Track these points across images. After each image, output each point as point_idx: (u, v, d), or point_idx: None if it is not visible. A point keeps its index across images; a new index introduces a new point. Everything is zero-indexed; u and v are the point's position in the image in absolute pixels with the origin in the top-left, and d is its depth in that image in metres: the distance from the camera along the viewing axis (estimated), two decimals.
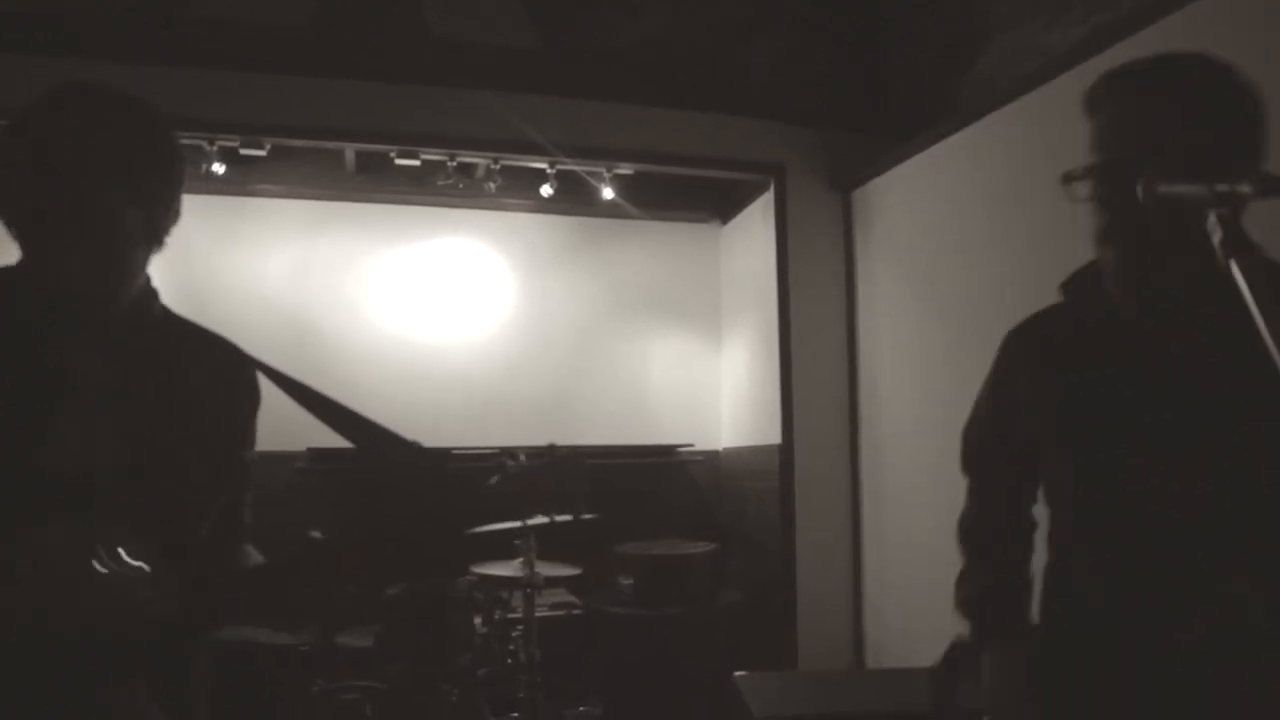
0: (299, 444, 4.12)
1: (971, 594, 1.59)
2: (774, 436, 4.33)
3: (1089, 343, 1.40)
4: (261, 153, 3.94)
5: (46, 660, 1.07)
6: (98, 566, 1.12)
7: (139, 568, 1.15)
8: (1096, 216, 1.31)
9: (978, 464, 1.66)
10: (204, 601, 1.22)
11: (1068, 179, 1.35)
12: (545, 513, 1.42)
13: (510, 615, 3.49)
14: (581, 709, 3.83)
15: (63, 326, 1.23)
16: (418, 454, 1.32)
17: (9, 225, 1.21)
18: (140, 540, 1.16)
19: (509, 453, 1.43)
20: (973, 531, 1.64)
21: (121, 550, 1.14)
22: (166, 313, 1.36)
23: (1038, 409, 1.47)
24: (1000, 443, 1.59)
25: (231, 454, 1.39)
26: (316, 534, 1.30)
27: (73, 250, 1.20)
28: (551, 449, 1.42)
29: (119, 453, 1.20)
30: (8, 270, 1.25)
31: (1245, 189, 0.88)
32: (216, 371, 1.37)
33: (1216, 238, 0.88)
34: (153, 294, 1.35)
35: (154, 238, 1.29)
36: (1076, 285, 1.50)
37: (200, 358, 1.36)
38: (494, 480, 1.37)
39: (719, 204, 5.22)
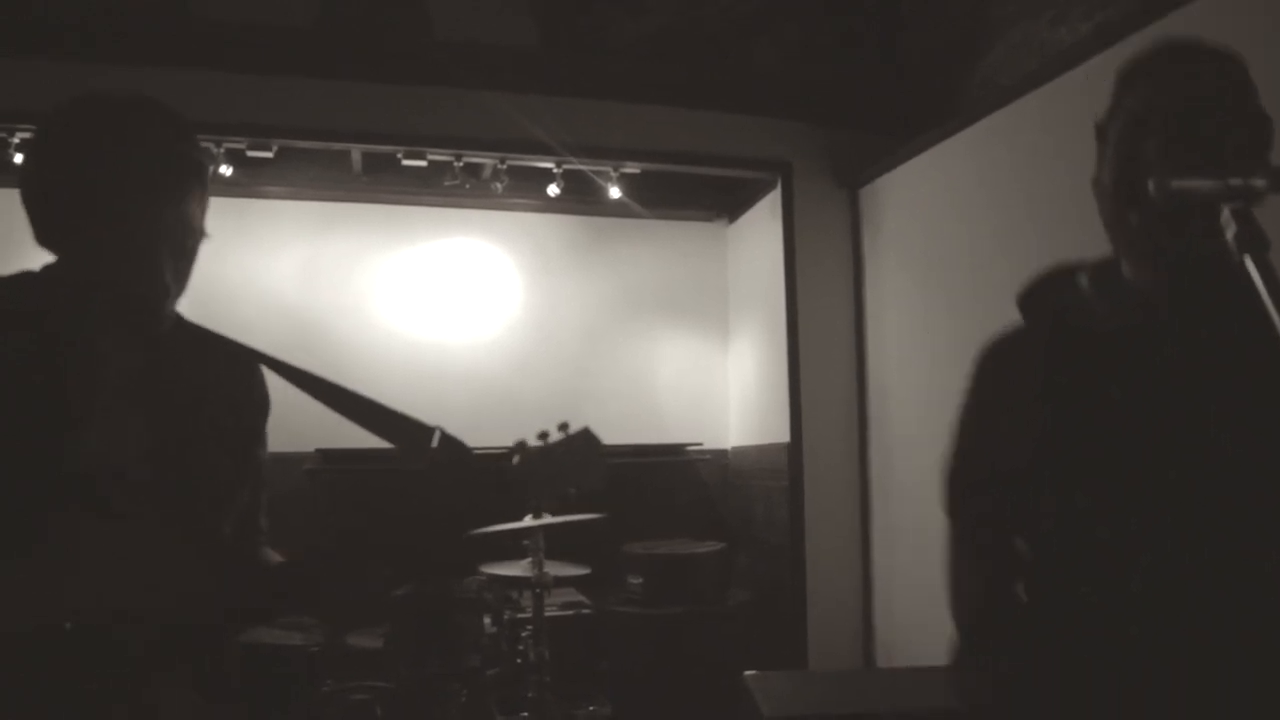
0: (307, 445, 4.14)
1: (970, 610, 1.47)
2: (782, 435, 4.32)
3: (1076, 357, 1.30)
4: (268, 154, 3.95)
5: (96, 651, 1.10)
6: (150, 559, 1.18)
7: (184, 560, 1.22)
8: (1120, 178, 1.22)
9: (964, 508, 1.50)
10: (239, 597, 1.27)
11: (1100, 126, 1.27)
12: (567, 495, 1.43)
13: (519, 615, 3.49)
14: (591, 709, 3.83)
15: (95, 329, 1.25)
16: (439, 439, 1.36)
17: (47, 231, 1.25)
18: (175, 534, 1.21)
19: (520, 444, 1.43)
20: (974, 607, 1.50)
21: (166, 543, 1.20)
22: (179, 318, 1.40)
23: (1027, 437, 1.33)
24: (986, 479, 1.44)
25: (250, 452, 1.43)
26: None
27: (110, 255, 1.24)
28: (565, 428, 1.43)
29: (149, 450, 1.24)
30: (38, 273, 1.27)
31: (1260, 183, 0.86)
32: (231, 373, 1.42)
33: (1230, 233, 0.87)
34: (170, 318, 1.39)
35: (186, 240, 1.32)
36: (1036, 299, 1.42)
37: (215, 360, 1.40)
38: (516, 459, 1.38)
39: (726, 202, 5.21)
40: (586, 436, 1.44)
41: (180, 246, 1.31)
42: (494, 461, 1.39)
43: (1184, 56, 1.26)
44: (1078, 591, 1.29)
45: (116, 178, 1.23)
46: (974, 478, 1.48)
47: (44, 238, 1.25)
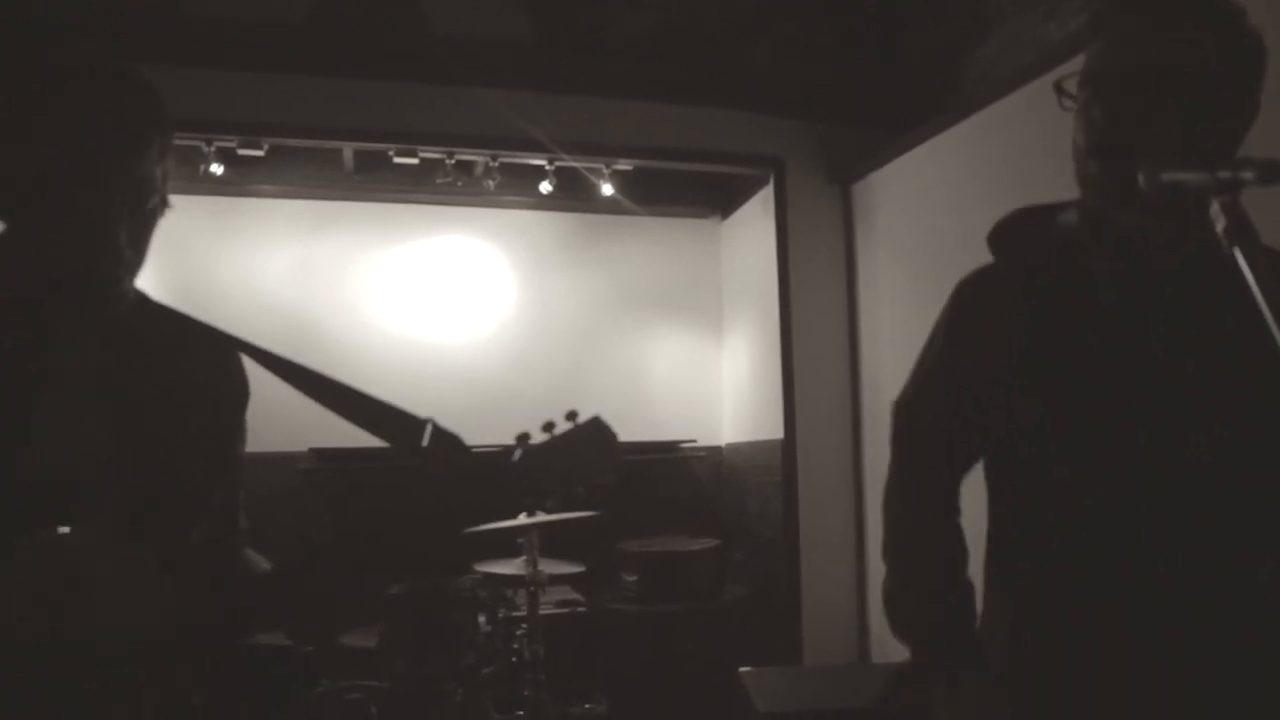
0: (300, 444, 4.13)
1: (911, 615, 1.41)
2: (776, 431, 4.32)
3: (1059, 302, 1.27)
4: (259, 153, 3.94)
5: (61, 668, 1.04)
6: (109, 570, 1.09)
7: (146, 570, 1.12)
8: (1091, 128, 1.21)
9: (911, 435, 1.45)
10: (212, 606, 1.19)
11: (1060, 87, 1.24)
12: (575, 494, 1.31)
13: (514, 613, 3.49)
14: (586, 706, 3.84)
15: (47, 316, 1.17)
16: (431, 432, 1.27)
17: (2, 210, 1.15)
18: (134, 542, 1.11)
19: (523, 437, 1.33)
20: (905, 532, 1.47)
21: (126, 553, 1.11)
22: (144, 299, 1.30)
23: (997, 373, 1.30)
24: (946, 409, 1.39)
25: (223, 449, 1.34)
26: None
27: (55, 218, 1.13)
28: (573, 416, 1.32)
29: (104, 452, 1.15)
30: None
31: (1248, 175, 0.87)
32: (206, 362, 1.31)
33: (1220, 225, 0.87)
34: (128, 294, 1.28)
35: (143, 199, 1.20)
36: (1011, 238, 1.41)
37: (187, 347, 1.29)
38: (517, 455, 1.28)
39: (719, 199, 5.21)
40: (597, 426, 1.31)
41: (136, 207, 1.18)
42: (493, 457, 1.29)
43: (1136, 6, 1.22)
44: (1034, 530, 1.29)
45: (68, 141, 1.13)
46: (933, 411, 1.43)
47: None
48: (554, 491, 1.29)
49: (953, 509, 1.41)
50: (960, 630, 1.34)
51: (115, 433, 1.16)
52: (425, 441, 1.26)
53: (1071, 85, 1.25)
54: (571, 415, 1.31)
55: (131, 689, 1.08)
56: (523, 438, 1.29)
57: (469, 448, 1.27)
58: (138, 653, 1.08)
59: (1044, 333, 1.27)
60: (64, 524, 1.08)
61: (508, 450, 1.28)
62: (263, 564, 1.40)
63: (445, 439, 1.26)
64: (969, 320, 1.40)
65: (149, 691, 1.11)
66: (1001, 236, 1.43)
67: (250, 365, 1.34)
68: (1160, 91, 1.15)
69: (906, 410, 1.47)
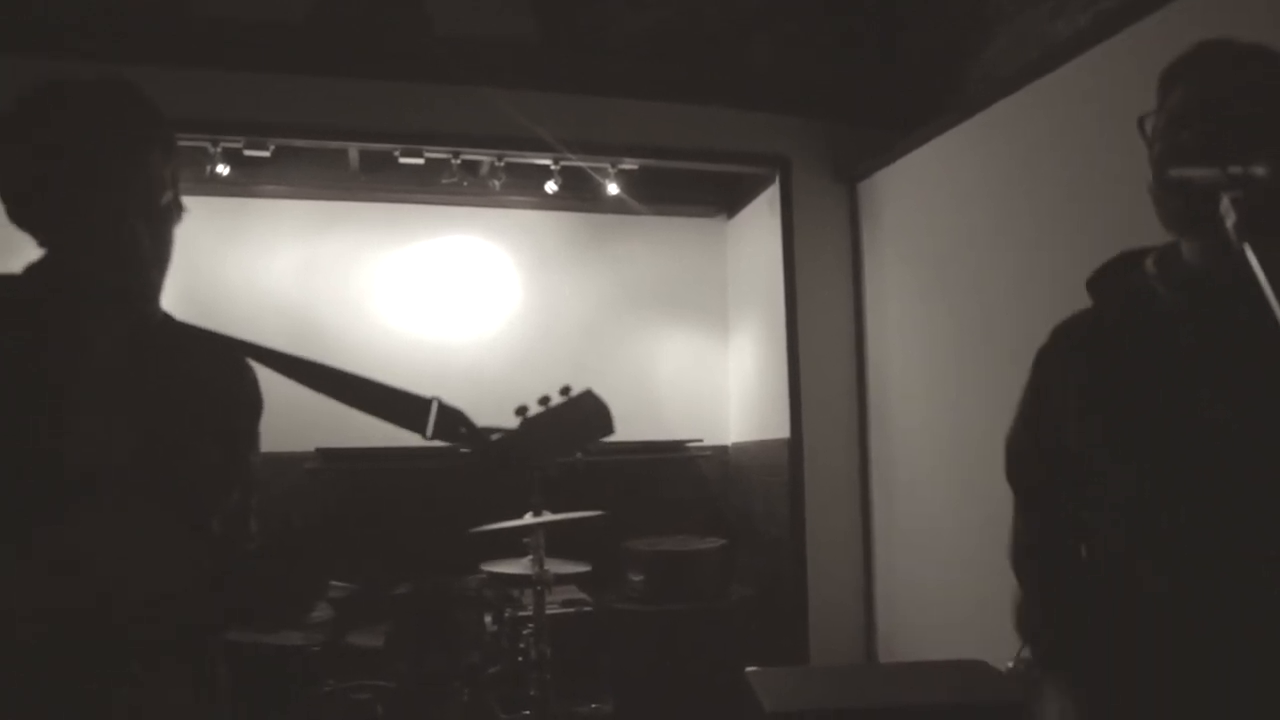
0: (307, 445, 4.13)
1: (1031, 624, 1.54)
2: (783, 431, 4.32)
3: (1135, 340, 1.35)
4: (265, 153, 3.94)
5: (87, 648, 1.10)
6: (134, 550, 1.18)
7: (170, 551, 1.21)
8: (1162, 167, 1.26)
9: (1021, 476, 1.58)
10: (225, 594, 1.26)
11: (1142, 125, 1.32)
12: (572, 456, 1.44)
13: (520, 613, 3.49)
14: (593, 706, 3.83)
15: (81, 325, 1.26)
16: (436, 409, 1.38)
17: (32, 230, 1.26)
18: (161, 526, 1.21)
19: (521, 410, 1.45)
20: (1025, 557, 1.57)
21: (151, 535, 1.20)
22: (169, 318, 1.39)
23: (1085, 413, 1.40)
24: (1045, 451, 1.51)
25: (238, 451, 1.40)
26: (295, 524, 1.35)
27: (82, 227, 1.25)
28: (567, 390, 1.44)
29: (132, 444, 1.23)
30: (20, 275, 1.28)
31: (1260, 172, 0.86)
32: (221, 371, 1.40)
33: (1230, 221, 0.87)
34: (155, 296, 1.37)
35: (156, 198, 1.31)
36: (1106, 282, 1.46)
37: (204, 358, 1.38)
38: (517, 425, 1.39)
39: (725, 198, 5.20)
40: (589, 396, 1.47)
41: (151, 206, 1.29)
42: (495, 435, 1.41)
43: (1220, 53, 1.29)
44: (1131, 573, 1.34)
45: (71, 145, 1.24)
46: (1029, 450, 1.56)
47: (14, 215, 1.26)
48: (552, 457, 1.42)
49: (1065, 525, 1.51)
50: (1072, 643, 1.45)
51: (142, 427, 1.24)
52: (432, 419, 1.38)
53: (1148, 125, 1.32)
54: (565, 390, 1.47)
55: (146, 670, 1.16)
56: (521, 410, 1.43)
57: (473, 423, 1.39)
58: (165, 628, 1.17)
59: (1120, 372, 1.35)
60: (94, 507, 1.17)
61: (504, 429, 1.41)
62: None
63: (451, 415, 1.39)
64: (1057, 366, 1.50)
65: (164, 673, 1.18)
66: (1098, 281, 1.48)
67: (261, 371, 1.42)
68: (1230, 116, 1.21)
69: (1008, 446, 1.60)
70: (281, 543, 1.37)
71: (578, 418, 1.45)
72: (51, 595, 1.10)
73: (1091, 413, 1.38)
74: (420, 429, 1.37)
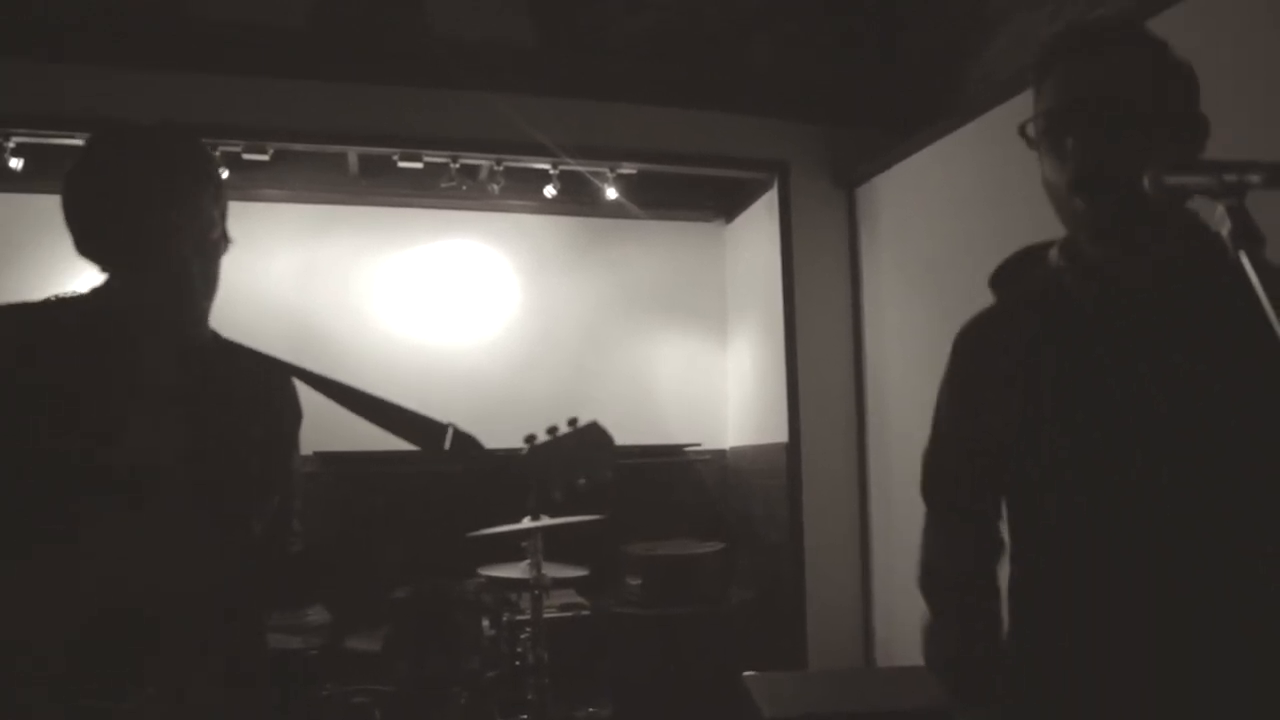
0: (305, 448, 4.12)
1: (943, 654, 1.45)
2: (781, 435, 4.32)
3: (1052, 334, 1.31)
4: (264, 157, 3.94)
5: (127, 636, 1.22)
6: (180, 546, 1.32)
7: (212, 546, 1.34)
8: (1063, 164, 1.24)
9: (943, 489, 1.49)
10: (268, 585, 1.45)
11: (1024, 131, 1.30)
12: (576, 486, 1.48)
13: (518, 617, 3.49)
14: (591, 710, 3.83)
15: (138, 344, 1.39)
16: (452, 434, 1.49)
17: (84, 241, 1.38)
18: (205, 524, 1.34)
19: (530, 438, 1.50)
20: (938, 575, 1.47)
21: (196, 532, 1.33)
22: (216, 335, 1.52)
23: (1007, 407, 1.33)
24: (966, 460, 1.44)
25: (283, 459, 1.54)
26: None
27: (140, 257, 1.39)
28: (574, 421, 1.48)
29: (185, 452, 1.36)
30: (86, 295, 1.41)
31: (1254, 179, 0.86)
32: (265, 385, 1.53)
33: (1225, 229, 0.87)
34: (204, 320, 1.51)
35: (206, 234, 1.45)
36: (1009, 278, 1.44)
37: (250, 373, 1.52)
38: (525, 452, 1.45)
39: (723, 202, 5.21)
40: (595, 429, 1.50)
41: (201, 241, 1.43)
42: (504, 458, 1.49)
43: (1087, 47, 1.26)
44: (1060, 567, 1.30)
45: (134, 187, 1.37)
46: (952, 461, 1.49)
47: (82, 248, 1.38)
48: (558, 484, 1.47)
49: (986, 541, 1.45)
50: (989, 672, 1.39)
51: (189, 437, 1.38)
52: (449, 443, 1.49)
53: (1030, 130, 1.30)
54: (572, 421, 1.51)
55: (188, 655, 1.28)
56: (529, 439, 1.49)
57: (485, 448, 1.49)
58: (198, 622, 1.30)
59: (1039, 364, 1.31)
60: (145, 505, 1.30)
61: (517, 451, 1.48)
62: None
63: (465, 441, 1.49)
64: (970, 368, 1.47)
65: (211, 657, 1.31)
66: (1001, 276, 1.46)
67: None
68: (1119, 118, 1.19)
69: (926, 461, 1.53)
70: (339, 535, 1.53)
71: (583, 449, 1.49)
72: (94, 584, 1.23)
73: (1013, 405, 1.32)
74: (437, 451, 1.49)
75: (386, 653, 3.21)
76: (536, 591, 3.32)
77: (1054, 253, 1.37)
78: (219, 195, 1.49)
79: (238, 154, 3.90)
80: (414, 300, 4.84)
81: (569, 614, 3.95)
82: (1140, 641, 1.21)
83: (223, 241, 1.50)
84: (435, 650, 3.16)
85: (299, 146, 4.02)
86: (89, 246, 1.38)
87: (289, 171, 4.45)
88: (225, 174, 3.95)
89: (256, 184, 4.43)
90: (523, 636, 3.38)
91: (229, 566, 1.36)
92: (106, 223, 1.38)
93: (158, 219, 1.38)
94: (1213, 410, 1.19)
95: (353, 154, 4.35)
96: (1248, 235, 0.86)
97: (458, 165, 4.13)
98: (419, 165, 4.09)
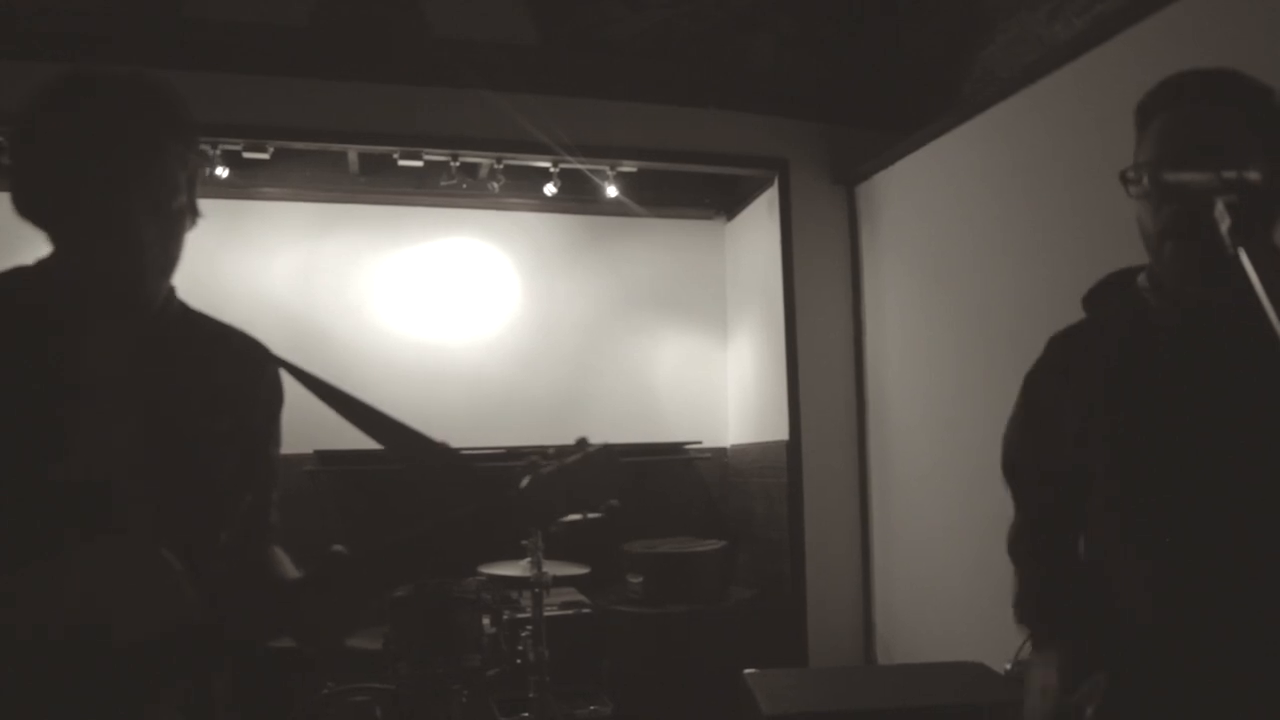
0: (306, 446, 4.13)
1: (1026, 606, 1.56)
2: (781, 432, 4.32)
3: (1129, 355, 1.39)
4: (265, 156, 3.95)
5: (92, 673, 1.07)
6: (145, 575, 1.13)
7: (181, 575, 1.14)
8: (1157, 212, 1.29)
9: (1017, 476, 1.63)
10: (237, 611, 1.21)
11: (1125, 178, 1.33)
12: (579, 512, 1.31)
13: (519, 615, 3.49)
14: (591, 708, 3.83)
15: (82, 325, 1.21)
16: (446, 455, 1.30)
17: (40, 224, 1.21)
18: (163, 545, 1.15)
19: (539, 451, 1.32)
20: (1018, 544, 1.61)
21: (162, 558, 1.14)
22: (185, 309, 1.35)
23: (1077, 423, 1.44)
24: (1036, 455, 1.57)
25: (256, 452, 1.38)
26: (339, 548, 1.25)
27: (82, 218, 1.19)
28: (583, 444, 1.32)
29: (135, 458, 1.19)
30: (31, 267, 1.24)
31: (1253, 176, 0.86)
32: (238, 367, 1.37)
33: (1225, 225, 0.87)
34: (170, 290, 1.33)
35: (165, 197, 1.24)
36: (1100, 298, 1.51)
37: (221, 353, 1.36)
38: (525, 483, 1.27)
39: (723, 200, 5.21)
40: (607, 454, 1.31)
41: (159, 206, 1.22)
42: (500, 486, 1.28)
43: (1200, 92, 1.30)
44: (1138, 550, 1.36)
45: (85, 135, 1.18)
46: (1030, 448, 1.59)
47: (20, 205, 1.21)
48: (561, 514, 1.28)
49: (1059, 521, 1.54)
50: (1065, 614, 1.49)
51: (146, 439, 1.20)
52: (440, 460, 1.31)
53: (1132, 174, 1.33)
54: (581, 443, 1.31)
55: (153, 688, 1.11)
56: (531, 464, 1.28)
57: (476, 471, 1.29)
58: (160, 652, 1.11)
59: (1122, 381, 1.38)
60: (97, 528, 1.12)
61: (515, 475, 1.28)
62: (287, 562, 1.43)
63: (459, 463, 1.31)
64: (1059, 369, 1.53)
65: (171, 690, 1.13)
66: (1093, 296, 1.53)
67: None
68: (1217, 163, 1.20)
69: (1005, 445, 1.63)
70: (329, 568, 1.27)
71: (588, 477, 1.28)
72: (42, 623, 1.07)
73: (1091, 422, 1.40)
74: (422, 473, 1.31)
75: (387, 651, 3.21)
76: (537, 589, 3.32)
77: (1142, 278, 1.43)
78: (188, 159, 1.28)
79: (238, 152, 3.91)
80: (414, 298, 4.84)
81: (570, 612, 3.95)
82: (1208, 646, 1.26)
83: (189, 212, 1.29)
84: (436, 649, 3.16)
85: (299, 145, 4.02)
86: (27, 205, 1.20)
87: (289, 170, 4.46)
88: (225, 173, 3.96)
89: (257, 182, 4.44)
90: (523, 634, 3.38)
91: (190, 593, 1.15)
92: (47, 175, 1.19)
93: (106, 176, 1.17)
94: (1265, 437, 1.25)
95: (353, 152, 4.35)
96: (1247, 232, 0.86)
97: (458, 163, 4.13)
98: (419, 163, 4.10)
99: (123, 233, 1.19)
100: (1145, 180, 1.29)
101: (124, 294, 1.24)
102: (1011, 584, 1.60)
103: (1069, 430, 1.45)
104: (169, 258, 1.27)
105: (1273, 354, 0.85)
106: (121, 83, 1.23)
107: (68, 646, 1.06)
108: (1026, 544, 1.59)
